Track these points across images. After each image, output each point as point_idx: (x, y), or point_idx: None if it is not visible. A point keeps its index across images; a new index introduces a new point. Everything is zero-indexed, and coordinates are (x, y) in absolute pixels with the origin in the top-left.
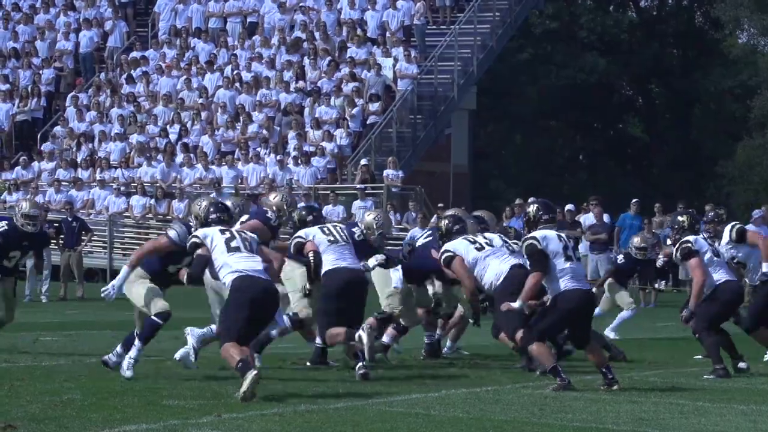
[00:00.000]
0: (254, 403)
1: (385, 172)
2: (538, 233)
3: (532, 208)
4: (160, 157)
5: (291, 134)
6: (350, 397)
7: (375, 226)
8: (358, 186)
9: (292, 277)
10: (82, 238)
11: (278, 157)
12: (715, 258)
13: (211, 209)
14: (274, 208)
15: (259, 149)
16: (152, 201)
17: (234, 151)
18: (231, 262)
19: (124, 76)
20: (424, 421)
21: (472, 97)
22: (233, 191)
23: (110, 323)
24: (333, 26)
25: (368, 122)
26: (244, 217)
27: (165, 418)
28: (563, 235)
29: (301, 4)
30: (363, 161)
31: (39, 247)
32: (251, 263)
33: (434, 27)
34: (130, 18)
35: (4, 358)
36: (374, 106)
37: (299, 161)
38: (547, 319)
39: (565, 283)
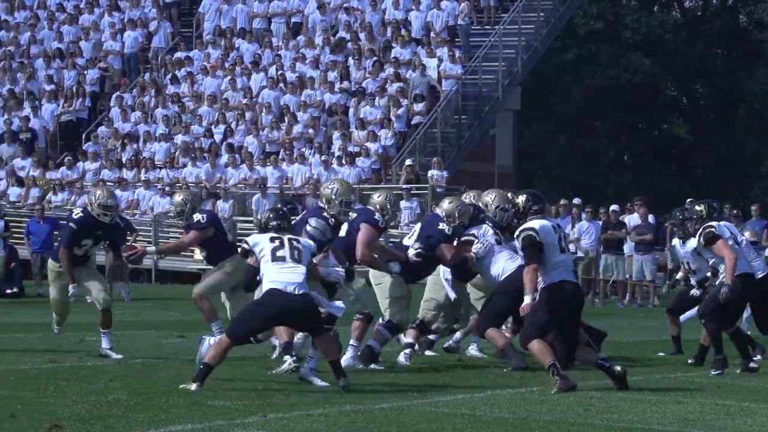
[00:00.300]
0: (300, 403)
1: (430, 173)
2: (535, 224)
3: (521, 199)
4: (205, 157)
5: (336, 134)
6: (395, 397)
7: (457, 215)
8: (403, 186)
9: (383, 282)
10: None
11: (323, 158)
12: (736, 246)
13: (271, 216)
14: (378, 207)
15: (303, 149)
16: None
17: (279, 151)
18: (272, 271)
19: (169, 76)
20: (469, 421)
21: (516, 97)
22: (278, 191)
23: (155, 323)
24: (378, 26)
25: (413, 123)
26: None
27: (210, 419)
28: (558, 225)
29: (345, 5)
30: (408, 162)
31: (113, 237)
32: (290, 275)
33: (479, 27)
34: (174, 18)
35: (50, 358)
36: (419, 107)
37: (344, 161)
38: (542, 315)
39: (559, 275)
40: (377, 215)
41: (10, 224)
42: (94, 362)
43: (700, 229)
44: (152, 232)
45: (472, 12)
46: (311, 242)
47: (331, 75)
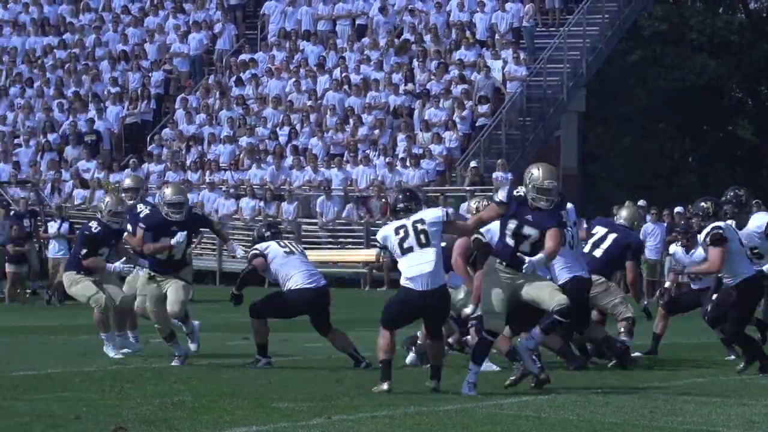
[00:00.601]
0: (364, 405)
1: (494, 175)
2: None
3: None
4: (269, 159)
5: (400, 136)
6: (460, 399)
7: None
8: (468, 188)
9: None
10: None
11: (387, 159)
12: (741, 247)
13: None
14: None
15: (368, 151)
16: (261, 203)
17: (343, 153)
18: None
19: (234, 78)
20: (534, 423)
21: (581, 99)
22: (343, 193)
23: (220, 325)
24: (442, 28)
25: (477, 124)
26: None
27: (275, 421)
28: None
29: (409, 7)
30: (473, 163)
31: (191, 230)
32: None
33: (543, 29)
34: (239, 20)
35: (115, 360)
36: (483, 109)
37: (408, 163)
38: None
39: (572, 271)
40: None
41: (75, 226)
42: (159, 364)
43: (708, 228)
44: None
45: (537, 14)
46: None
47: (396, 77)
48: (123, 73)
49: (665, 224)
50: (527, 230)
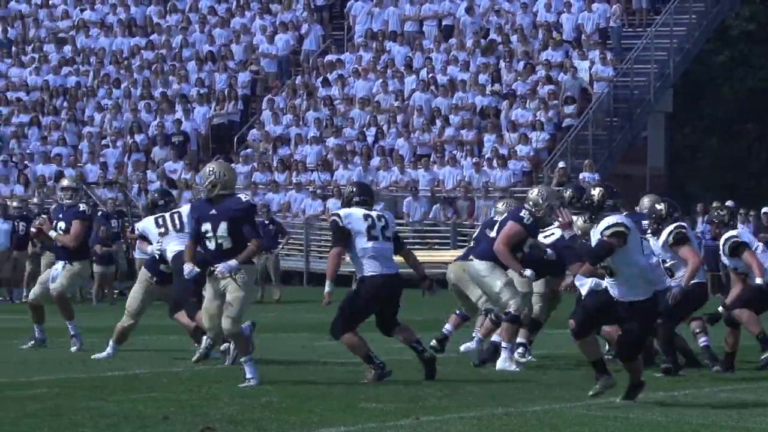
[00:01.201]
0: (452, 406)
1: (581, 175)
2: (625, 220)
3: (596, 192)
4: (356, 159)
5: (487, 137)
6: (548, 400)
7: (541, 201)
8: (555, 189)
9: (491, 274)
10: (279, 241)
11: (474, 160)
12: (759, 251)
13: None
14: (531, 203)
15: (455, 152)
16: None
17: (430, 154)
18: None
19: (320, 79)
20: (622, 424)
21: (668, 99)
22: (430, 194)
23: (306, 326)
24: (528, 29)
25: (564, 125)
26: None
27: (363, 421)
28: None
29: (496, 7)
30: (560, 164)
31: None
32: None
33: (630, 29)
34: (325, 21)
35: (202, 361)
36: (570, 109)
37: (495, 164)
38: None
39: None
40: (523, 212)
41: None
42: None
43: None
44: (304, 235)
45: (624, 14)
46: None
47: (482, 77)
48: (210, 73)
49: (751, 225)
50: None
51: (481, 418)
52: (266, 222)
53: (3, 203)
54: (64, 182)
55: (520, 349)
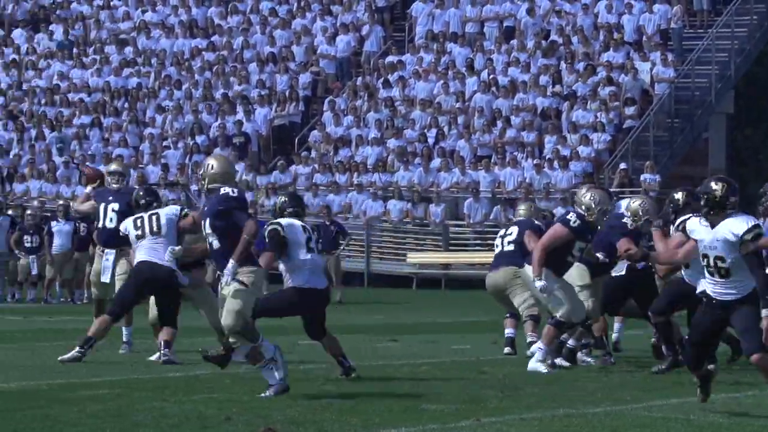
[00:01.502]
0: (513, 407)
1: (643, 176)
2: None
3: (719, 187)
4: (417, 161)
5: (548, 138)
6: (609, 402)
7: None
8: (616, 190)
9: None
10: (340, 242)
11: (535, 161)
12: None
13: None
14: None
15: (515, 153)
16: (409, 205)
17: (491, 155)
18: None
19: (381, 80)
20: (683, 426)
21: (729, 100)
22: (491, 195)
23: (367, 327)
24: (589, 30)
25: (624, 126)
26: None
27: (424, 422)
28: None
29: (556, 8)
30: (622, 165)
31: None
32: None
33: (691, 31)
34: (386, 22)
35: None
36: (630, 110)
37: (556, 165)
38: None
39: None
40: (571, 215)
41: None
42: (306, 366)
43: None
44: (365, 236)
45: (685, 15)
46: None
47: (543, 79)
48: (271, 75)
49: None
50: None
51: (542, 419)
52: (327, 223)
53: (65, 204)
54: (112, 166)
55: (584, 350)
